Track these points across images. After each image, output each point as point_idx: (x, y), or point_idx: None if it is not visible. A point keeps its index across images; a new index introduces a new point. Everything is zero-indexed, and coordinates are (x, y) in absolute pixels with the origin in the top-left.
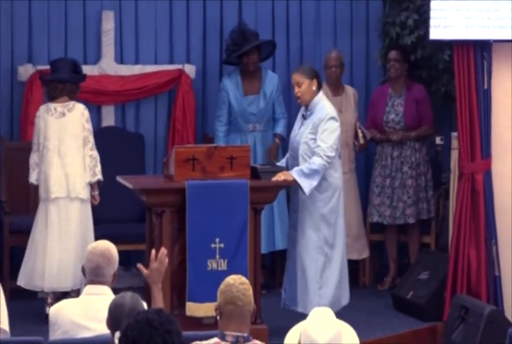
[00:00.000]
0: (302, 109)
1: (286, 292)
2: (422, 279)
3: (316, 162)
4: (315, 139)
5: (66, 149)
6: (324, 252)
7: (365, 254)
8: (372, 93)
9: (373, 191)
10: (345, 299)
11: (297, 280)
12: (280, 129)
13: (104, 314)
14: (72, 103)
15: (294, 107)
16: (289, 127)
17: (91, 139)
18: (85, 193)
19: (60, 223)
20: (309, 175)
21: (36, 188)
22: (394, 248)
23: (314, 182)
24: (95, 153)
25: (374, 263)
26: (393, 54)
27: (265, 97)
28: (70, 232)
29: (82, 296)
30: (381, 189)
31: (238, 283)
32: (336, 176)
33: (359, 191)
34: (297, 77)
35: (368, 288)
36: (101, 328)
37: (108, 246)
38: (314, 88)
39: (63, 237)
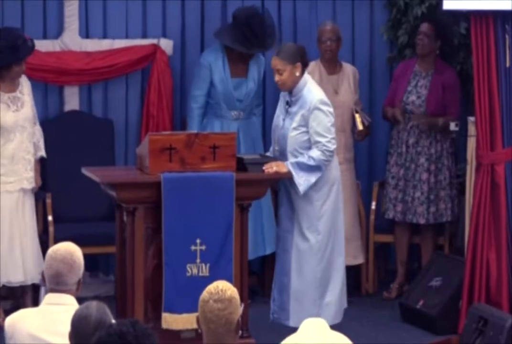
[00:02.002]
0: (285, 93)
1: (275, 303)
2: (434, 286)
3: (316, 156)
4: (306, 132)
5: None
6: (325, 256)
7: (360, 259)
8: (397, 67)
9: (388, 183)
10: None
11: (290, 288)
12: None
13: (65, 327)
14: None
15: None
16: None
17: None
18: None
19: None
20: (307, 169)
21: None
22: (405, 250)
23: (312, 179)
24: None
25: (379, 267)
26: (424, 27)
27: (253, 82)
28: None
29: (41, 306)
30: (397, 181)
31: (212, 301)
32: (332, 167)
33: (359, 186)
34: (278, 64)
35: (372, 296)
36: (64, 342)
37: (70, 250)
38: (297, 73)
39: None
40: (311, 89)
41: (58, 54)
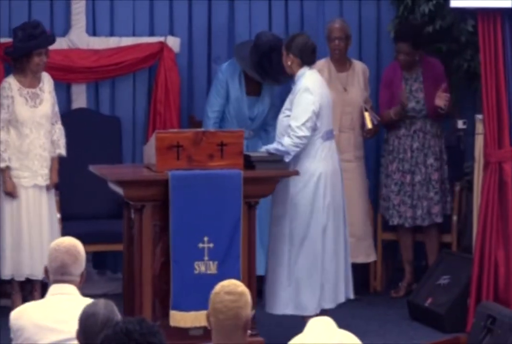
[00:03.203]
0: None
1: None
2: (442, 284)
3: (285, 142)
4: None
5: None
6: (293, 244)
7: (372, 257)
8: (384, 72)
9: (391, 189)
10: (328, 303)
11: (267, 275)
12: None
13: (71, 314)
14: None
15: None
16: None
17: None
18: None
19: None
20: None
21: None
22: (410, 249)
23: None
24: None
25: (387, 266)
26: (401, 47)
27: (267, 101)
28: None
29: (46, 297)
30: (400, 187)
31: (223, 293)
32: (315, 159)
33: (368, 184)
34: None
35: (380, 295)
36: (68, 330)
37: (74, 243)
38: (289, 62)
39: None
40: (305, 78)
41: (66, 52)
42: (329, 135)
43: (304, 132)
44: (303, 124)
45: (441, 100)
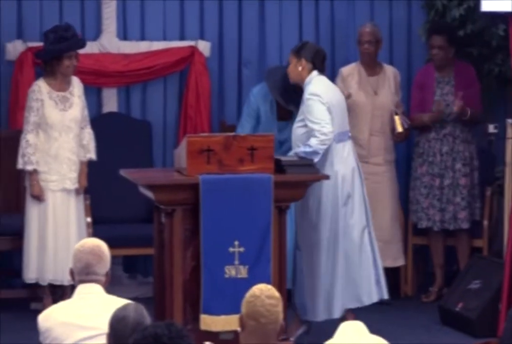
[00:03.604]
0: None
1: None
2: (473, 288)
3: (312, 143)
4: (304, 126)
5: None
6: (329, 249)
7: (400, 261)
8: (416, 75)
9: (420, 192)
10: (336, 313)
11: (305, 282)
12: None
13: (97, 310)
14: None
15: None
16: None
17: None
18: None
19: None
20: (304, 155)
21: None
22: (441, 253)
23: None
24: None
25: (418, 270)
26: (435, 40)
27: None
28: None
29: (73, 297)
30: (429, 190)
31: (264, 296)
32: (326, 164)
33: (399, 188)
34: (290, 55)
35: (410, 299)
36: (96, 326)
37: (97, 243)
38: (300, 68)
39: None
40: (312, 84)
41: (96, 56)
42: (341, 137)
43: (328, 128)
44: (324, 121)
45: (454, 106)
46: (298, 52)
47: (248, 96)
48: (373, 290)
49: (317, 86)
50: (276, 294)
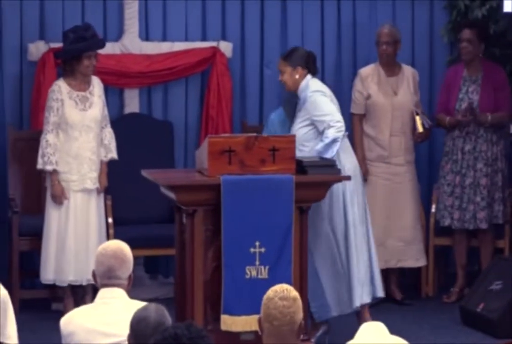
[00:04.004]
0: None
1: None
2: (495, 289)
3: (329, 133)
4: (308, 125)
5: None
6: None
7: (422, 261)
8: (446, 73)
9: (444, 190)
10: (334, 311)
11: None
12: None
13: (120, 317)
14: None
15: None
16: None
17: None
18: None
19: None
20: (325, 148)
21: None
22: (464, 253)
23: (334, 150)
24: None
25: (439, 270)
26: (465, 33)
27: None
28: None
29: (95, 301)
30: (452, 188)
31: (277, 299)
32: (347, 161)
33: (420, 188)
34: (280, 65)
35: (432, 300)
36: (118, 333)
37: (120, 246)
38: (297, 76)
39: None
40: (310, 86)
41: (118, 57)
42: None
43: (339, 116)
44: (333, 111)
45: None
46: (291, 60)
47: (266, 122)
48: (365, 290)
49: (315, 84)
50: (292, 294)
